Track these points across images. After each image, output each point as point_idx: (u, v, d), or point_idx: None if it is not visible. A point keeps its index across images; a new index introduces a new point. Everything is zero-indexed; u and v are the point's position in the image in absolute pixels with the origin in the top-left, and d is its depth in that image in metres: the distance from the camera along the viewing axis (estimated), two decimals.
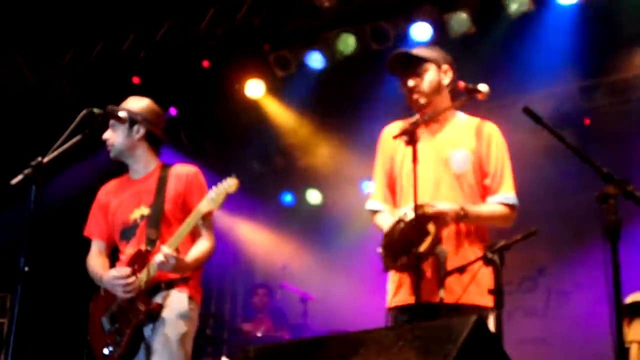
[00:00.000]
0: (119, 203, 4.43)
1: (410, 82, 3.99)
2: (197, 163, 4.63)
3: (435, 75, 4.00)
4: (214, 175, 4.45)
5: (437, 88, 4.00)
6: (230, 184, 4.05)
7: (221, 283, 9.91)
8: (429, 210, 3.66)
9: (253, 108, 8.82)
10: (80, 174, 7.42)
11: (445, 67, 4.03)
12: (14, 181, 3.75)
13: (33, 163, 3.79)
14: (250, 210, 9.57)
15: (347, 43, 7.98)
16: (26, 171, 3.76)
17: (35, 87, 8.15)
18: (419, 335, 2.31)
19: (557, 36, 7.48)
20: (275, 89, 8.70)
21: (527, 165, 6.70)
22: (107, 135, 4.41)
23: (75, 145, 3.97)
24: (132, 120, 4.38)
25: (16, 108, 7.90)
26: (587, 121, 8.09)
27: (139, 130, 4.39)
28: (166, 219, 4.28)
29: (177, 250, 4.07)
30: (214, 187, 4.10)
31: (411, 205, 3.62)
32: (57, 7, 7.41)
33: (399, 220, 3.72)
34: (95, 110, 4.09)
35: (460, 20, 7.51)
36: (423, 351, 2.20)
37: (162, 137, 4.52)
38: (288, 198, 10.16)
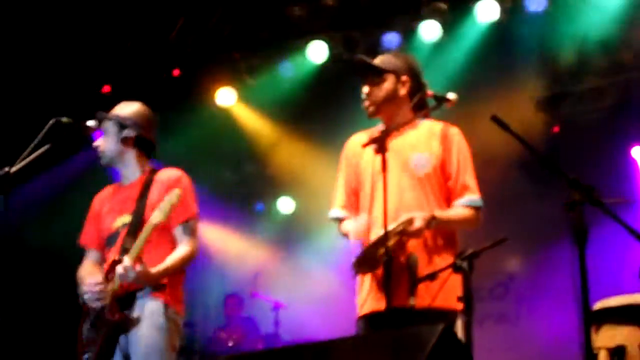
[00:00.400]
0: (107, 210, 4.39)
1: (365, 89, 4.06)
2: None
3: (390, 86, 4.03)
4: None
5: (391, 98, 4.02)
6: (173, 195, 4.03)
7: (193, 292, 9.85)
8: (396, 234, 3.69)
9: (224, 116, 8.80)
10: (49, 183, 7.38)
11: (404, 77, 4.04)
12: None
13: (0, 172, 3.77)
14: (222, 218, 9.52)
15: (318, 51, 8.01)
16: None
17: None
18: (388, 344, 2.31)
19: (527, 45, 7.54)
20: (247, 96, 8.69)
21: (496, 173, 6.77)
22: (98, 142, 4.39)
23: (43, 155, 3.95)
24: (122, 125, 4.35)
25: None
26: (556, 129, 8.13)
27: (128, 135, 4.36)
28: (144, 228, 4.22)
29: (139, 260, 4.00)
30: (164, 198, 4.09)
31: (380, 219, 3.65)
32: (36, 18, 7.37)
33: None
34: (63, 119, 4.06)
35: (431, 28, 7.56)
36: (392, 359, 2.20)
37: (153, 141, 4.47)
38: (260, 206, 10.14)
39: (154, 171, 4.40)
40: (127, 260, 3.97)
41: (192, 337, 9.12)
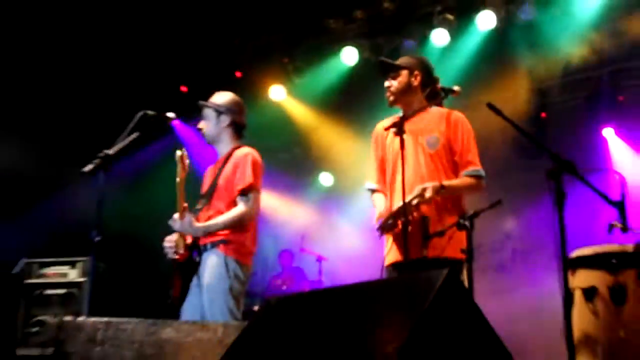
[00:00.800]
0: (205, 181, 4.42)
1: (386, 83, 4.09)
2: None
3: (405, 79, 4.05)
4: None
5: (407, 89, 4.04)
6: (178, 154, 4.08)
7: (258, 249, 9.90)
8: (413, 205, 3.68)
9: (276, 108, 8.83)
10: (138, 163, 7.43)
11: (416, 72, 4.06)
12: (86, 169, 3.79)
13: (101, 154, 3.83)
14: (277, 189, 9.56)
15: (350, 55, 7.99)
16: (95, 161, 3.80)
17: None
18: (403, 285, 2.33)
19: (519, 47, 7.46)
20: (294, 92, 8.72)
21: (493, 150, 6.71)
22: (201, 125, 4.40)
23: (134, 140, 4.00)
24: (218, 111, 4.35)
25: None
26: (544, 115, 8.05)
27: (224, 120, 4.36)
28: (216, 193, 4.23)
29: (181, 212, 4.04)
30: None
31: (400, 190, 3.68)
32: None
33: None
34: (149, 112, 4.11)
35: (441, 36, 7.50)
36: (404, 298, 2.21)
37: (243, 124, 4.46)
38: (307, 179, 10.16)
39: (235, 149, 4.38)
40: (176, 214, 4.03)
41: (253, 283, 9.22)
